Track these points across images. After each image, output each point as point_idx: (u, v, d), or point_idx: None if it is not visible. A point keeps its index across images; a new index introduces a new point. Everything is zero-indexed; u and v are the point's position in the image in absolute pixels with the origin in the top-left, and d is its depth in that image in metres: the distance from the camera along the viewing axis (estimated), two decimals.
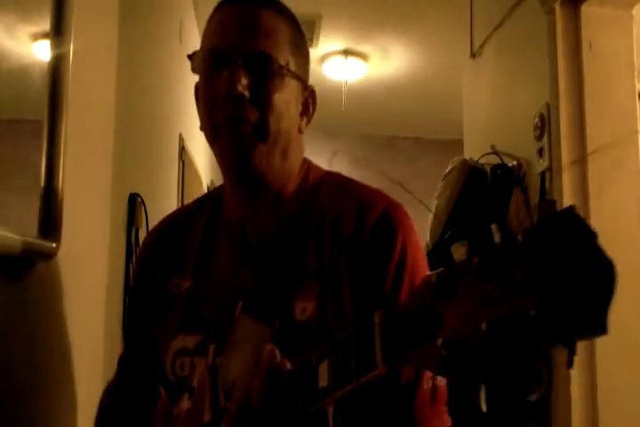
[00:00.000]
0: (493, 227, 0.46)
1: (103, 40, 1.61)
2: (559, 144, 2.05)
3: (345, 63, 4.58)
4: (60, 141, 1.16)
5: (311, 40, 4.12)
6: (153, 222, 2.11)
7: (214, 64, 0.88)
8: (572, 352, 0.43)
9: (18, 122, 1.17)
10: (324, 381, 0.60)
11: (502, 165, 2.36)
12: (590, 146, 2.04)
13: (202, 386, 0.82)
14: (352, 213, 0.89)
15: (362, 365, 0.56)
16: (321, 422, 0.69)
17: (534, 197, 2.19)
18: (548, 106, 2.13)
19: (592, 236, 0.42)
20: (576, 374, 1.94)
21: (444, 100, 4.77)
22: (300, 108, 0.92)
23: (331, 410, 0.68)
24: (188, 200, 3.43)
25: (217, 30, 0.91)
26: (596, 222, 2.18)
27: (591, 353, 1.95)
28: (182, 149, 3.12)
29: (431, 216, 2.46)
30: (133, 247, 1.91)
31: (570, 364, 0.42)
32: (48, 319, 1.23)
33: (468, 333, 0.45)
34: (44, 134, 1.15)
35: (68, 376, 1.35)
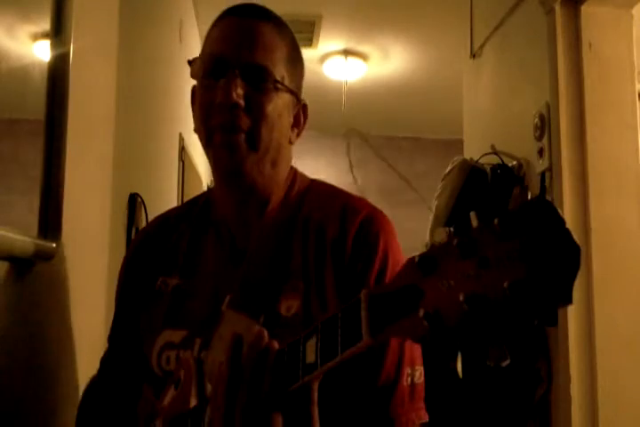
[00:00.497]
0: (472, 214, 0.52)
1: (103, 40, 1.61)
2: (559, 144, 2.05)
3: (345, 63, 4.59)
4: (59, 141, 1.16)
5: (311, 40, 4.12)
6: None
7: (213, 71, 0.91)
8: (550, 323, 0.48)
9: (18, 122, 1.17)
10: (311, 357, 0.63)
11: (502, 165, 2.36)
12: (590, 146, 2.04)
13: (188, 376, 0.85)
14: (336, 217, 0.94)
15: (348, 338, 0.59)
16: (306, 398, 0.70)
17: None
18: (548, 106, 2.13)
19: (561, 220, 0.47)
20: (576, 374, 1.94)
21: (444, 100, 4.77)
22: (292, 120, 0.97)
23: (316, 386, 0.69)
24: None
25: (218, 39, 0.93)
26: (596, 221, 2.18)
27: (591, 353, 1.95)
28: (182, 149, 3.12)
29: (431, 216, 2.46)
30: None
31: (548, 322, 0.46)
32: (48, 319, 1.23)
33: (447, 305, 0.50)
34: (44, 134, 1.15)
35: (68, 376, 1.35)
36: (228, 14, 0.95)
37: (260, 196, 0.96)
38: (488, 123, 2.78)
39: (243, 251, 0.95)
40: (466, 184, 2.39)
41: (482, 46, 2.84)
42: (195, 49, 3.74)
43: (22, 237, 1.05)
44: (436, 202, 2.47)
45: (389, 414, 0.85)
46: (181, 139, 3.11)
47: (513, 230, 0.48)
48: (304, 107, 1.00)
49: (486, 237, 0.49)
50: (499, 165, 2.38)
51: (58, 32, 1.18)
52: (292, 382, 0.65)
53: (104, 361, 1.07)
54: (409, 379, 0.87)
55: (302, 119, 1.00)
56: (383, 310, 0.56)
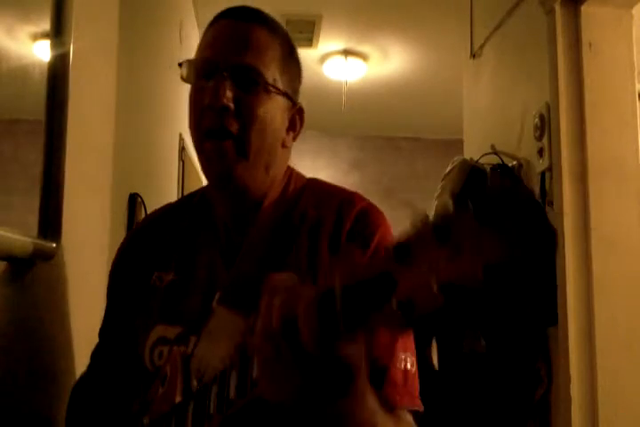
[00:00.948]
0: (449, 201, 0.51)
1: (103, 40, 1.61)
2: (559, 144, 2.05)
3: (345, 63, 4.59)
4: (60, 141, 1.16)
5: (311, 40, 4.12)
6: None
7: (202, 74, 0.91)
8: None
9: (18, 122, 1.17)
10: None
11: (502, 165, 2.36)
12: (590, 146, 2.04)
13: (174, 371, 0.85)
14: (333, 211, 0.93)
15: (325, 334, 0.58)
16: None
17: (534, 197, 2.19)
18: (548, 106, 2.13)
19: (537, 204, 0.48)
20: (576, 374, 1.94)
21: (444, 100, 4.77)
22: (287, 124, 0.95)
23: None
24: None
25: (209, 42, 0.94)
26: (596, 221, 2.18)
27: (591, 353, 1.95)
28: (182, 149, 3.12)
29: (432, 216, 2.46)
30: None
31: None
32: (48, 319, 1.23)
33: (421, 294, 0.49)
34: (44, 134, 1.15)
35: (68, 376, 1.35)
36: (221, 17, 0.95)
37: (253, 198, 0.95)
38: (488, 123, 2.78)
39: (237, 248, 0.95)
40: (466, 184, 2.39)
41: (482, 46, 2.84)
42: (195, 49, 3.74)
43: (22, 237, 1.05)
44: (435, 202, 2.47)
45: (382, 397, 0.82)
46: (181, 139, 3.11)
47: (488, 215, 0.47)
48: (300, 110, 0.98)
49: (461, 223, 0.48)
50: (499, 165, 2.38)
51: (58, 32, 1.18)
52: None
53: (95, 356, 1.07)
54: (402, 364, 0.85)
55: (298, 123, 0.98)
56: (357, 304, 0.55)
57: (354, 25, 4.12)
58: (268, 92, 0.89)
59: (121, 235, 1.83)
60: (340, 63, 4.59)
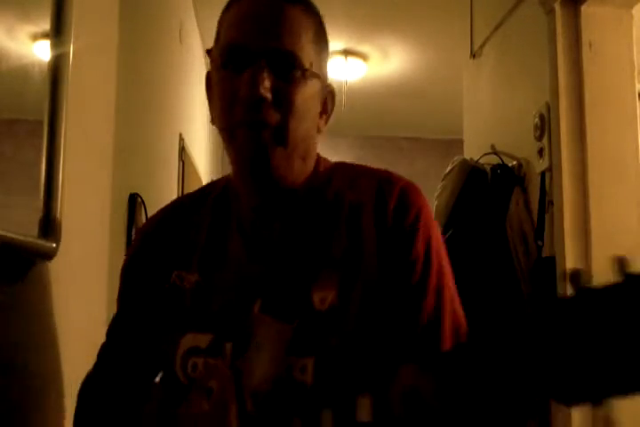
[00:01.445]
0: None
1: (103, 40, 1.61)
2: (559, 144, 2.05)
3: (345, 63, 4.59)
4: (59, 141, 1.16)
5: None
6: None
7: (234, 61, 0.82)
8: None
9: (18, 122, 1.17)
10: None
11: (502, 165, 2.36)
12: (590, 146, 2.04)
13: (223, 389, 0.80)
14: (371, 191, 0.88)
15: None
16: None
17: (534, 197, 2.19)
18: (548, 106, 2.13)
19: None
20: None
21: (444, 100, 4.77)
22: (320, 107, 0.90)
23: None
24: None
25: (238, 23, 0.84)
26: (596, 221, 2.19)
27: None
28: (182, 149, 3.12)
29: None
30: None
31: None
32: (48, 319, 1.23)
33: None
34: (44, 134, 1.15)
35: (67, 376, 1.35)
36: None
37: (287, 187, 0.89)
38: (488, 123, 2.78)
39: (266, 242, 0.88)
40: (466, 184, 2.39)
41: (482, 46, 2.84)
42: (195, 49, 3.74)
43: (22, 237, 1.05)
44: (436, 202, 2.47)
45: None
46: (181, 139, 3.11)
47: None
48: (331, 91, 0.93)
49: None
50: (499, 165, 2.38)
51: (58, 32, 1.18)
52: None
53: (103, 356, 1.00)
54: (451, 316, 0.84)
55: (330, 105, 0.93)
56: None
57: (354, 25, 4.12)
58: (305, 77, 0.83)
59: (121, 235, 1.83)
60: (339, 63, 4.59)
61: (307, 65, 0.83)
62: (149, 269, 0.93)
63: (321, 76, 0.87)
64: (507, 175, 2.31)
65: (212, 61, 0.87)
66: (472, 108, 3.03)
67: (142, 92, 2.19)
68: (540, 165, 2.15)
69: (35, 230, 1.12)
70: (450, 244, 2.29)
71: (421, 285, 0.84)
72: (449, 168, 2.51)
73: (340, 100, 4.81)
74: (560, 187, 2.03)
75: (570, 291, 0.48)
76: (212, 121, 0.88)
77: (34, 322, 1.15)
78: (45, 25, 1.17)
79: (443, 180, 2.50)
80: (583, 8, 2.10)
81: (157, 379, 0.91)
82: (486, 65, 2.81)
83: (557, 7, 2.11)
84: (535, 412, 0.55)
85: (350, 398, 0.65)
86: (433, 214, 0.91)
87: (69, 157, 1.19)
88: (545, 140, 2.14)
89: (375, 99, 5.31)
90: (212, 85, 0.87)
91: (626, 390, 0.47)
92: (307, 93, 0.83)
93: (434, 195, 2.50)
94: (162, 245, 0.94)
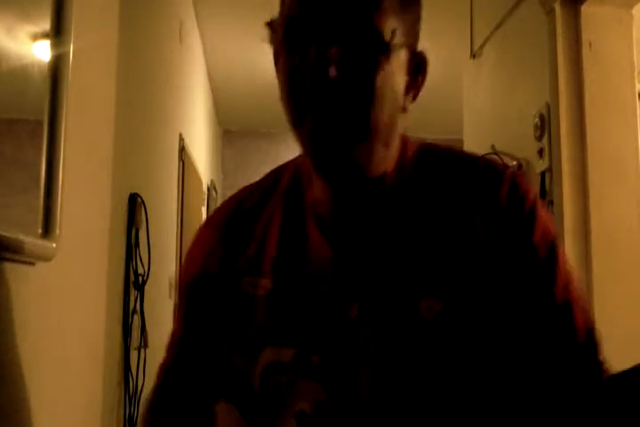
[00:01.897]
0: None
1: (103, 40, 1.61)
2: (559, 144, 2.05)
3: None
4: (59, 141, 1.16)
5: None
6: (153, 222, 2.12)
7: (297, 35, 0.70)
8: None
9: (18, 122, 1.17)
10: None
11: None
12: (590, 146, 2.04)
13: (318, 412, 0.69)
14: (475, 179, 0.76)
15: None
16: None
17: None
18: (548, 106, 2.13)
19: None
20: None
21: (444, 100, 4.76)
22: (406, 81, 0.73)
23: None
24: (187, 200, 3.42)
25: None
26: (596, 221, 2.18)
27: None
28: (182, 149, 3.12)
29: None
30: (133, 247, 1.91)
31: None
32: (48, 319, 1.23)
33: None
34: (44, 134, 1.15)
35: (67, 376, 1.35)
36: None
37: (370, 178, 0.76)
38: (488, 123, 2.78)
39: (360, 240, 0.75)
40: None
41: (482, 46, 2.84)
42: (195, 49, 3.74)
43: (22, 237, 1.05)
44: None
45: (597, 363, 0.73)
46: (181, 139, 3.11)
47: None
48: (421, 57, 0.77)
49: None
50: None
51: (58, 32, 1.18)
52: None
53: (168, 379, 0.87)
54: (579, 304, 0.74)
55: (420, 75, 0.77)
56: None
57: None
58: (386, 52, 0.69)
59: (121, 235, 1.83)
60: None
61: (387, 36, 0.68)
62: (216, 276, 0.81)
63: (407, 44, 0.72)
64: None
65: (274, 34, 0.76)
66: (472, 108, 3.03)
67: (142, 92, 2.19)
68: (540, 165, 2.15)
69: (35, 230, 1.12)
70: None
71: (549, 268, 0.73)
72: None
73: None
74: (560, 187, 2.03)
75: None
76: (281, 99, 0.76)
77: (34, 322, 1.15)
78: (45, 25, 1.17)
79: None
80: (583, 8, 2.10)
81: (229, 402, 0.82)
82: (486, 65, 2.81)
83: (557, 7, 2.11)
84: None
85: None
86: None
87: (69, 157, 1.19)
88: (545, 141, 2.14)
89: None
90: (279, 62, 0.75)
91: None
92: (388, 71, 0.69)
93: None
94: (227, 249, 0.81)
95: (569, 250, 1.97)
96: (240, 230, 0.81)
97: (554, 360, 0.72)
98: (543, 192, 2.13)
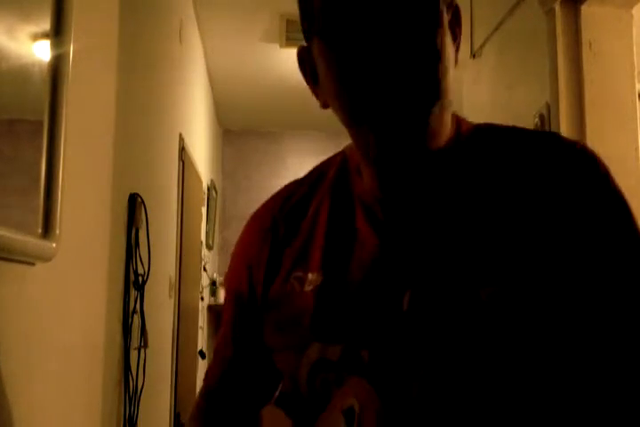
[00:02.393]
0: None
1: (103, 40, 1.61)
2: None
3: None
4: (59, 141, 1.16)
5: None
6: (153, 222, 2.12)
7: (339, 21, 0.64)
8: None
9: (18, 122, 1.17)
10: None
11: None
12: (590, 146, 2.04)
13: (367, 409, 0.65)
14: (547, 159, 0.69)
15: None
16: None
17: None
18: (548, 106, 2.13)
19: None
20: None
21: None
22: (451, 34, 0.69)
23: None
24: (187, 200, 3.42)
25: None
26: None
27: None
28: (182, 149, 3.12)
29: None
30: (133, 247, 1.91)
31: None
32: (48, 319, 1.23)
33: None
34: (44, 134, 1.15)
35: (67, 376, 1.35)
36: None
37: (431, 152, 0.71)
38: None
39: (408, 227, 0.70)
40: None
41: (482, 46, 2.84)
42: (195, 49, 3.74)
43: (22, 237, 1.05)
44: None
45: None
46: (181, 139, 3.11)
47: None
48: (457, 8, 0.72)
49: None
50: None
51: (58, 32, 1.18)
52: None
53: (218, 376, 0.86)
54: None
55: (457, 28, 0.72)
56: None
57: None
58: (441, 11, 0.66)
59: (121, 235, 1.83)
60: None
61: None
62: (266, 271, 0.78)
63: None
64: None
65: (305, 31, 0.71)
66: (472, 108, 3.02)
67: (142, 92, 2.19)
68: None
69: (35, 230, 1.12)
70: None
71: (635, 252, 0.67)
72: None
73: None
74: None
75: None
76: (324, 105, 0.73)
77: (34, 322, 1.15)
78: (45, 25, 1.17)
79: None
80: (583, 8, 2.10)
81: (275, 399, 0.80)
82: (486, 65, 2.81)
83: (557, 7, 2.11)
84: None
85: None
86: None
87: (69, 157, 1.19)
88: None
89: None
90: (316, 61, 0.70)
91: None
92: (444, 26, 0.66)
93: None
94: (277, 242, 0.78)
95: None
96: (286, 225, 0.78)
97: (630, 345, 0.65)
98: None
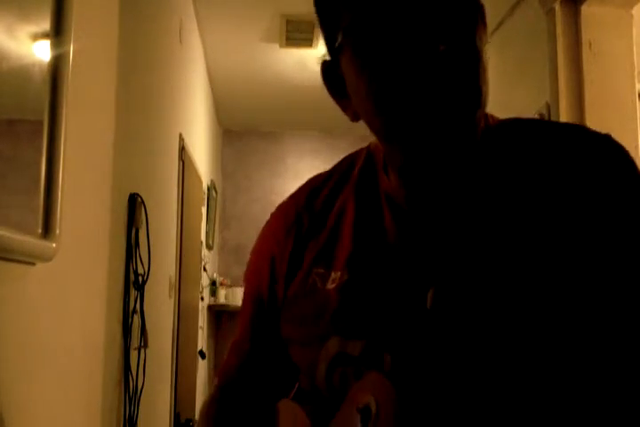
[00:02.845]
0: None
1: (103, 40, 1.61)
2: None
3: None
4: (59, 141, 1.16)
5: (311, 40, 4.12)
6: (153, 222, 2.12)
7: (385, 8, 0.61)
8: None
9: (18, 122, 1.17)
10: None
11: None
12: None
13: (383, 406, 0.61)
14: (571, 151, 0.67)
15: None
16: None
17: None
18: (548, 106, 2.13)
19: None
20: None
21: None
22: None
23: None
24: (187, 200, 3.42)
25: None
26: None
27: None
28: (182, 149, 3.12)
29: None
30: (133, 247, 1.91)
31: None
32: (48, 319, 1.23)
33: None
34: (44, 134, 1.15)
35: (67, 376, 1.35)
36: None
37: (461, 151, 0.68)
38: None
39: (435, 228, 0.68)
40: None
41: None
42: (195, 49, 3.74)
43: (22, 237, 1.05)
44: None
45: None
46: (181, 139, 3.11)
47: None
48: (483, 7, 0.69)
49: None
50: None
51: (58, 32, 1.18)
52: None
53: (244, 368, 0.84)
54: None
55: (483, 25, 0.68)
56: None
57: None
58: (482, 12, 0.64)
59: (121, 235, 1.83)
60: None
61: None
62: (287, 265, 0.77)
63: None
64: None
65: (338, 47, 0.67)
66: None
67: (142, 92, 2.19)
68: None
69: (35, 230, 1.12)
70: None
71: None
72: None
73: None
74: None
75: None
76: (354, 118, 0.72)
77: (34, 322, 1.15)
78: (45, 25, 1.17)
79: None
80: (583, 8, 2.10)
81: (292, 394, 0.79)
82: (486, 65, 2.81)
83: (557, 7, 2.11)
84: None
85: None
86: None
87: (69, 157, 1.19)
88: None
89: None
90: (346, 76, 0.68)
91: None
92: (481, 28, 0.64)
93: None
94: (299, 238, 0.77)
95: None
96: (311, 220, 0.77)
97: None
98: None
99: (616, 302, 0.62)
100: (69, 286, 1.35)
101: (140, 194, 1.97)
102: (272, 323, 0.77)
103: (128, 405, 1.84)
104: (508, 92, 2.57)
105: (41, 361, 1.18)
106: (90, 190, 1.53)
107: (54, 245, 1.14)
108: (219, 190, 5.50)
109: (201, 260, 4.28)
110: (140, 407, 1.90)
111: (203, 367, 4.44)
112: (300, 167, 5.69)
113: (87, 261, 1.50)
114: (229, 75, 4.73)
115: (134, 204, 1.92)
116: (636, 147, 2.07)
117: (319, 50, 4.42)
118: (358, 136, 6.39)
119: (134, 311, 1.89)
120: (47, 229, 1.13)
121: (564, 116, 2.06)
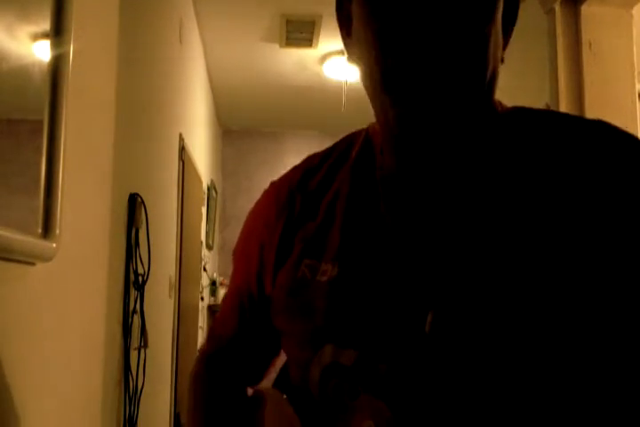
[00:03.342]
0: None
1: (103, 40, 1.61)
2: None
3: (345, 63, 4.58)
4: (59, 141, 1.16)
5: (311, 40, 4.12)
6: (153, 222, 2.12)
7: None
8: None
9: (18, 122, 1.17)
10: None
11: None
12: None
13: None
14: (584, 144, 0.63)
15: None
16: None
17: None
18: (548, 106, 2.13)
19: None
20: None
21: None
22: (501, 27, 0.65)
23: None
24: (187, 200, 3.42)
25: None
26: None
27: None
28: (182, 149, 3.12)
29: None
30: (133, 247, 1.91)
31: None
32: (48, 319, 1.23)
33: None
34: (44, 134, 1.15)
35: (67, 376, 1.35)
36: None
37: (466, 142, 0.65)
38: None
39: (439, 225, 0.62)
40: None
41: None
42: (195, 49, 3.74)
43: (22, 237, 1.05)
44: None
45: None
46: (181, 139, 3.11)
47: None
48: (517, 6, 0.68)
49: None
50: None
51: (58, 32, 1.18)
52: None
53: (235, 340, 0.83)
54: None
55: (511, 26, 0.68)
56: None
57: None
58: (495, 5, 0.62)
59: (121, 235, 1.83)
60: (339, 63, 4.59)
61: None
62: (276, 252, 0.72)
63: None
64: None
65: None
66: None
67: (142, 93, 2.19)
68: None
69: (35, 230, 1.12)
70: None
71: None
72: None
73: (340, 100, 4.82)
74: None
75: None
76: (351, 59, 0.68)
77: (34, 322, 1.15)
78: (45, 25, 1.17)
79: None
80: (583, 8, 2.10)
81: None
82: None
83: (557, 7, 2.11)
84: None
85: None
86: None
87: (69, 156, 1.19)
88: None
89: None
90: (353, 15, 0.65)
91: None
92: (497, 24, 0.63)
93: None
94: (290, 221, 0.72)
95: None
96: (303, 202, 0.73)
97: None
98: None
99: (631, 313, 0.58)
100: (69, 286, 1.35)
101: (140, 194, 1.97)
102: (261, 310, 0.74)
103: (128, 405, 1.84)
104: (507, 93, 2.57)
105: (41, 361, 1.18)
106: (90, 190, 1.53)
107: (54, 245, 1.14)
108: (219, 190, 5.50)
109: (201, 260, 4.28)
110: (139, 407, 1.90)
111: None
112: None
113: (87, 261, 1.50)
114: (229, 74, 4.74)
115: (134, 204, 1.92)
116: None
117: (319, 50, 4.42)
118: None
119: (134, 311, 1.89)
120: (47, 229, 1.13)
121: None
